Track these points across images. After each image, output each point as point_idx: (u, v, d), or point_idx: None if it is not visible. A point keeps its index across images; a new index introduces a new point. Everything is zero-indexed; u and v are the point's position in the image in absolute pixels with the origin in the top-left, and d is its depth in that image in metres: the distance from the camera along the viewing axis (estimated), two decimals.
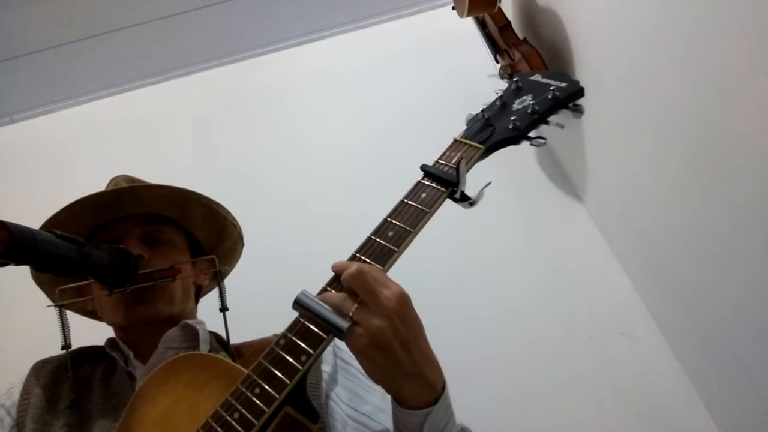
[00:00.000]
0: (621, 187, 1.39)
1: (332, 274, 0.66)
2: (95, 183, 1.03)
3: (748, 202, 0.95)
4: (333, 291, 0.64)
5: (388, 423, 0.80)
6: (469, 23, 1.71)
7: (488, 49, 1.67)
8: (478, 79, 1.78)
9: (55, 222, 0.88)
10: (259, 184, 1.74)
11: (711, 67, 0.95)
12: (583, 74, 1.39)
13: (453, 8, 1.60)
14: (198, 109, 1.94)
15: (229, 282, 1.07)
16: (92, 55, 1.84)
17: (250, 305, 1.14)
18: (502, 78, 1.58)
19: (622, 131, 1.30)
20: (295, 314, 0.64)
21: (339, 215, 1.60)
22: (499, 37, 1.59)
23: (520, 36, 1.57)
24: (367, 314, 0.61)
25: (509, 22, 1.59)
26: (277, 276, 1.49)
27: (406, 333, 0.62)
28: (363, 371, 0.86)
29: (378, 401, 0.86)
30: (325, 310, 0.61)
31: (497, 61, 1.65)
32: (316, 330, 0.62)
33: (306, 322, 0.63)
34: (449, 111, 1.82)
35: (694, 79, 1.00)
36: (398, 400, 0.66)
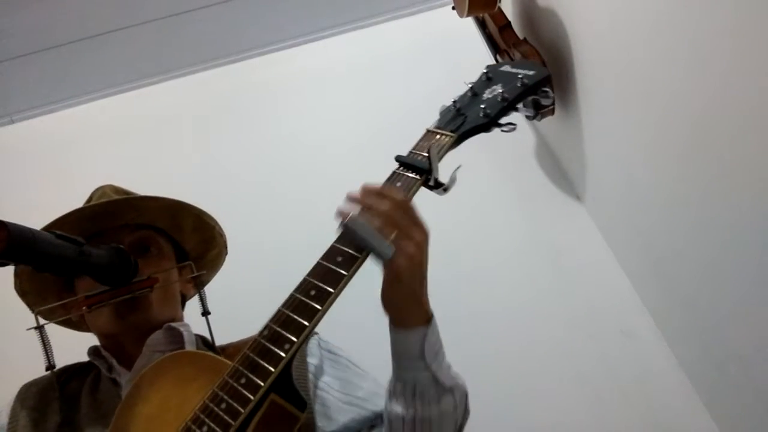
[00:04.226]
0: (621, 187, 1.39)
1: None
2: (95, 183, 1.04)
3: (748, 202, 0.95)
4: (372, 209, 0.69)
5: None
6: (469, 23, 1.71)
7: (488, 49, 1.67)
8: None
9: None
10: (258, 185, 1.73)
11: (711, 67, 0.95)
12: (582, 74, 1.39)
13: (453, 8, 1.60)
14: (198, 109, 1.94)
15: (221, 283, 1.07)
16: (92, 55, 1.84)
17: (244, 307, 1.14)
18: None
19: (621, 131, 1.30)
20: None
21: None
22: (499, 37, 1.59)
23: (520, 36, 1.57)
24: (405, 241, 0.68)
25: (509, 22, 1.58)
26: (270, 277, 1.48)
27: (426, 262, 0.71)
28: (351, 361, 0.90)
29: (372, 386, 0.89)
30: (373, 235, 0.66)
31: (497, 61, 1.65)
32: (297, 318, 0.64)
33: (288, 311, 0.64)
34: None
35: (695, 79, 1.00)
36: (399, 322, 0.73)
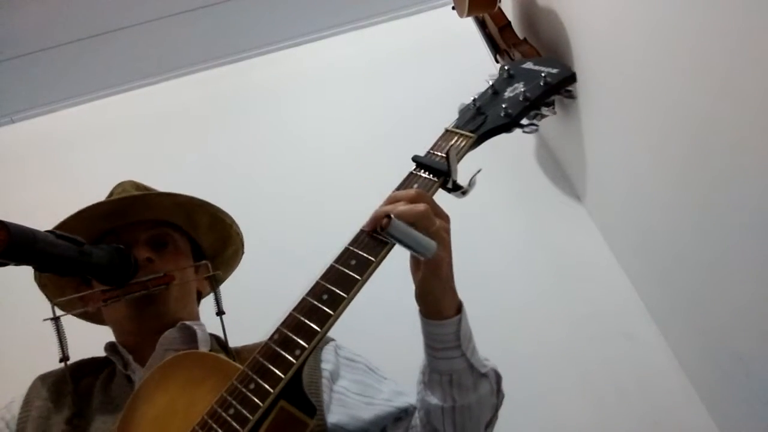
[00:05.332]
0: (621, 188, 1.39)
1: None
2: (95, 183, 1.03)
3: (750, 203, 0.95)
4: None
5: (411, 400, 0.84)
6: (469, 23, 1.71)
7: (488, 49, 1.67)
8: (478, 79, 1.78)
9: (64, 228, 0.88)
10: (259, 185, 1.74)
11: (713, 68, 0.95)
12: (583, 74, 1.39)
13: (453, 8, 1.60)
14: (198, 109, 1.94)
15: (230, 284, 1.07)
16: (92, 55, 1.84)
17: (252, 308, 1.14)
18: None
19: (622, 132, 1.30)
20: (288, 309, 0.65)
21: (339, 216, 1.59)
22: (499, 37, 1.59)
23: (520, 36, 1.57)
24: (438, 232, 0.67)
25: (509, 22, 1.58)
26: (278, 278, 1.49)
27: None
28: (370, 366, 0.90)
29: (392, 387, 0.89)
30: (414, 235, 0.63)
31: (497, 61, 1.65)
32: (309, 323, 0.62)
33: (299, 316, 0.63)
34: (449, 111, 1.82)
35: (696, 80, 1.00)
36: (436, 313, 0.72)
